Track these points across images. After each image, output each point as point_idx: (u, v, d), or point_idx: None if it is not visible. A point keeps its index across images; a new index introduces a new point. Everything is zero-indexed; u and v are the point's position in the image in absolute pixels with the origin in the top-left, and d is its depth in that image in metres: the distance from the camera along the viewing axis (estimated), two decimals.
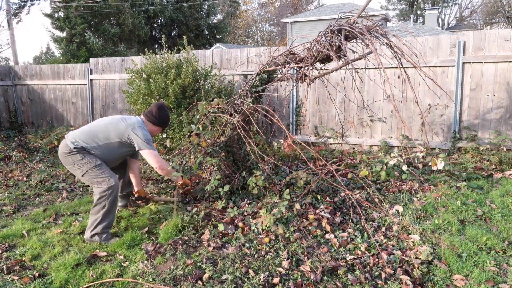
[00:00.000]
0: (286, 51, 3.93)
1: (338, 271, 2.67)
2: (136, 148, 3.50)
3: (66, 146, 3.39)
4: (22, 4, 20.62)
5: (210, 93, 5.84)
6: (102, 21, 19.64)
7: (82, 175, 3.38)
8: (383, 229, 3.34)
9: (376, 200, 3.67)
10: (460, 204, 3.66)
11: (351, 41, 3.44)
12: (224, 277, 2.64)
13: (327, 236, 3.18)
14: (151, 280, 2.67)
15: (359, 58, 3.47)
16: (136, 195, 4.04)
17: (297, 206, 3.47)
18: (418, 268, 2.67)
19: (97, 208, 3.33)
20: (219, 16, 25.37)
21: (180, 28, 21.97)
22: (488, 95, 5.50)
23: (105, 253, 3.10)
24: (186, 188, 3.99)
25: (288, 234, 3.18)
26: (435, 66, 5.69)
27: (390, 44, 3.21)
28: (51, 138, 7.17)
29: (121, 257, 3.03)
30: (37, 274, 2.83)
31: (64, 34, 19.13)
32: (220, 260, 2.87)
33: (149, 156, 3.49)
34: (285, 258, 2.84)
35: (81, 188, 5.01)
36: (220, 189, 3.77)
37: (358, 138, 6.34)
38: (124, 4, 18.63)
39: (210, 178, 4.13)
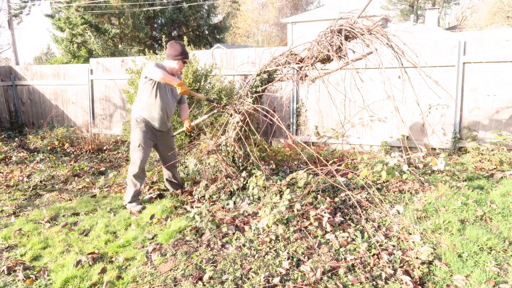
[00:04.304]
0: (286, 51, 3.92)
1: (339, 271, 2.67)
2: (145, 73, 3.86)
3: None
4: (23, 4, 20.65)
5: (211, 93, 5.84)
6: (102, 22, 19.66)
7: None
8: (384, 229, 3.33)
9: (377, 200, 3.66)
10: (460, 204, 3.66)
11: (351, 41, 3.43)
12: (224, 277, 2.64)
13: (327, 236, 3.18)
14: (151, 280, 2.67)
15: (360, 58, 3.47)
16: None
17: (297, 206, 3.47)
18: (418, 268, 2.67)
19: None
20: (219, 17, 25.37)
21: (180, 28, 21.97)
22: (488, 95, 5.50)
23: (105, 254, 3.10)
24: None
25: (288, 234, 3.18)
26: (436, 66, 5.68)
27: (390, 44, 3.21)
28: (52, 139, 7.18)
29: (122, 257, 3.03)
30: (37, 275, 2.83)
31: (64, 35, 19.17)
32: (221, 260, 2.87)
33: (153, 68, 3.74)
34: (285, 258, 2.84)
35: (81, 188, 5.01)
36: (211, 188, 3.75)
37: (359, 138, 6.33)
38: (124, 4, 18.65)
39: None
